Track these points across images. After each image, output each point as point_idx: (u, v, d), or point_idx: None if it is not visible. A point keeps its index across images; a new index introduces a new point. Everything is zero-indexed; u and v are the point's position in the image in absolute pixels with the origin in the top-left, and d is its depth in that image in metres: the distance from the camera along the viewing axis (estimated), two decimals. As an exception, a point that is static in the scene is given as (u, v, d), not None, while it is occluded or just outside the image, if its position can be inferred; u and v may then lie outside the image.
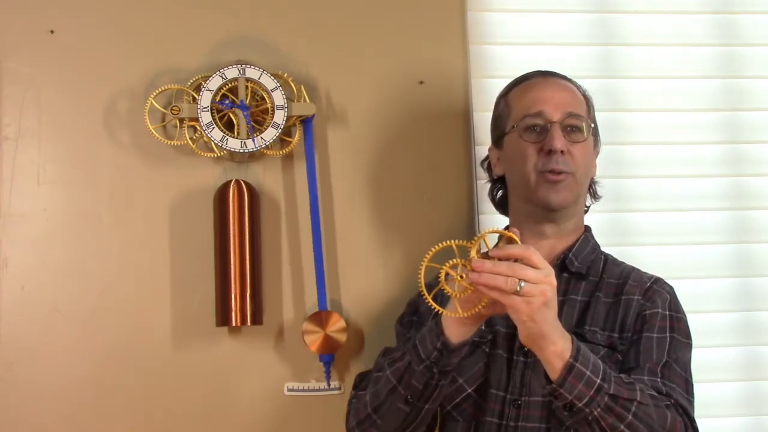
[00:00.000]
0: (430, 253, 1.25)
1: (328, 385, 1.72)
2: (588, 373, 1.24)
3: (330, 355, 1.71)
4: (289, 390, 1.74)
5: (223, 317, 1.69)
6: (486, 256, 1.23)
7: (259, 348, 1.74)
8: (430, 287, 1.27)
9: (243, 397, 1.73)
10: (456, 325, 1.31)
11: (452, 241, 1.24)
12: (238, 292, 1.68)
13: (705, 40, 1.93)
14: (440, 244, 1.25)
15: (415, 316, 1.57)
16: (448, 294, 1.26)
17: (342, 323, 1.71)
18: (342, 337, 1.71)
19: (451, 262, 1.24)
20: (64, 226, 1.73)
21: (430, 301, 1.26)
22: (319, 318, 1.71)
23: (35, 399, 1.68)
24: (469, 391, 1.44)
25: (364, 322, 1.76)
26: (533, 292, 1.20)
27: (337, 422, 1.65)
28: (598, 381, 1.24)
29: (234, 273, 1.68)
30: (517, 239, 1.25)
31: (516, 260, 1.21)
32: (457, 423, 1.46)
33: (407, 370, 1.35)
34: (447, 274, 1.25)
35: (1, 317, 1.69)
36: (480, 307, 1.25)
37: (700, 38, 1.93)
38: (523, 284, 1.20)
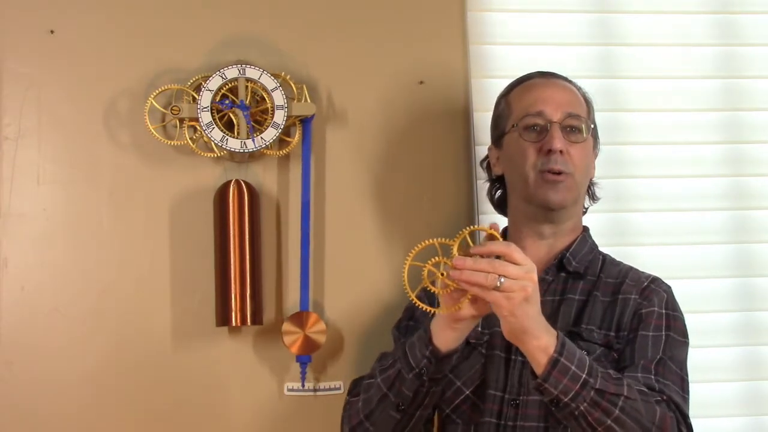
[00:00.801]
0: (414, 251, 1.27)
1: (303, 386, 1.72)
2: (573, 367, 1.25)
3: (307, 356, 1.71)
4: (289, 390, 1.74)
5: (223, 317, 1.69)
6: (468, 253, 1.24)
7: (259, 348, 1.74)
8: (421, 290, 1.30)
9: (243, 397, 1.73)
10: (445, 332, 1.32)
11: (435, 240, 1.26)
12: (238, 292, 1.68)
13: (705, 40, 1.93)
14: (423, 243, 1.27)
15: (411, 320, 1.58)
16: (431, 291, 1.27)
17: (322, 325, 1.71)
18: (321, 339, 1.70)
19: (433, 259, 1.26)
20: (64, 226, 1.73)
21: (413, 297, 1.28)
22: (300, 318, 1.71)
23: (35, 399, 1.68)
24: (467, 393, 1.45)
25: (358, 323, 1.76)
26: (513, 288, 1.21)
27: (337, 422, 1.65)
28: (584, 376, 1.25)
29: (234, 273, 1.68)
30: (498, 236, 1.26)
31: (498, 257, 1.23)
32: (457, 426, 1.46)
33: (398, 377, 1.36)
34: (430, 272, 1.26)
35: (1, 317, 1.69)
36: (464, 302, 1.26)
37: (700, 38, 1.93)
38: (503, 280, 1.21)
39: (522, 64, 1.71)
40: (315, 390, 1.74)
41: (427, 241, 1.27)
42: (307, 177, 1.75)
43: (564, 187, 1.48)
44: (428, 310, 1.29)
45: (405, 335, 1.56)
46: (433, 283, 1.27)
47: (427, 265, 1.27)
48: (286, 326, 1.70)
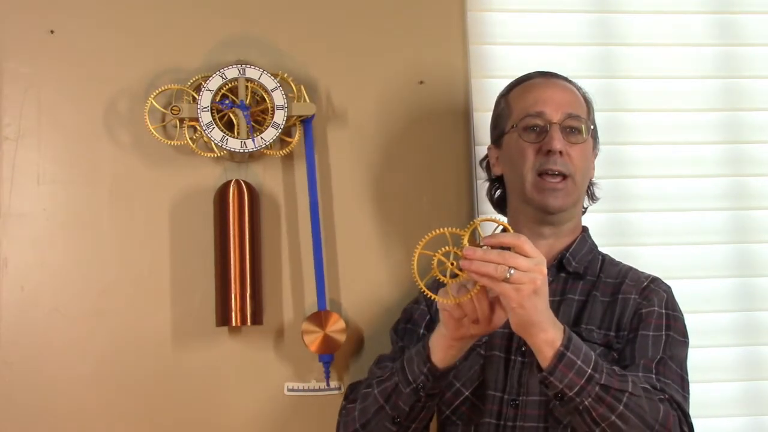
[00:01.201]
0: (424, 240, 1.27)
1: (328, 384, 1.72)
2: (579, 362, 1.25)
3: (329, 355, 1.71)
4: (289, 390, 1.74)
5: (223, 317, 1.69)
6: (478, 244, 1.24)
7: (259, 348, 1.74)
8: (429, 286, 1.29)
9: (243, 397, 1.73)
10: (444, 349, 1.33)
11: (445, 229, 1.27)
12: (238, 292, 1.68)
13: (705, 40, 1.93)
14: (434, 232, 1.27)
15: (409, 323, 1.58)
16: (440, 280, 1.27)
17: (341, 323, 1.71)
18: (341, 337, 1.71)
19: (443, 249, 1.26)
20: (64, 226, 1.73)
21: (422, 285, 1.28)
22: (319, 318, 1.71)
23: (35, 399, 1.68)
24: (467, 394, 1.45)
25: (364, 322, 1.76)
26: (523, 280, 1.21)
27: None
28: (589, 371, 1.25)
29: (234, 273, 1.68)
30: (509, 228, 1.27)
31: (509, 249, 1.23)
32: (456, 427, 1.46)
33: (394, 391, 1.36)
34: (440, 261, 1.27)
35: (1, 317, 1.69)
36: (473, 293, 1.26)
37: (700, 38, 1.93)
38: (512, 271, 1.21)
39: (522, 64, 1.71)
40: (315, 390, 1.73)
41: (437, 231, 1.27)
42: (313, 177, 1.75)
43: (563, 193, 1.48)
44: (441, 301, 1.29)
45: (402, 338, 1.57)
46: (442, 272, 1.27)
47: (437, 254, 1.27)
48: (306, 326, 1.70)
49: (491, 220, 1.30)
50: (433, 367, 1.33)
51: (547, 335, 1.25)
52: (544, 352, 1.26)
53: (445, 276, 1.27)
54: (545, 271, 1.24)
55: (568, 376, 1.24)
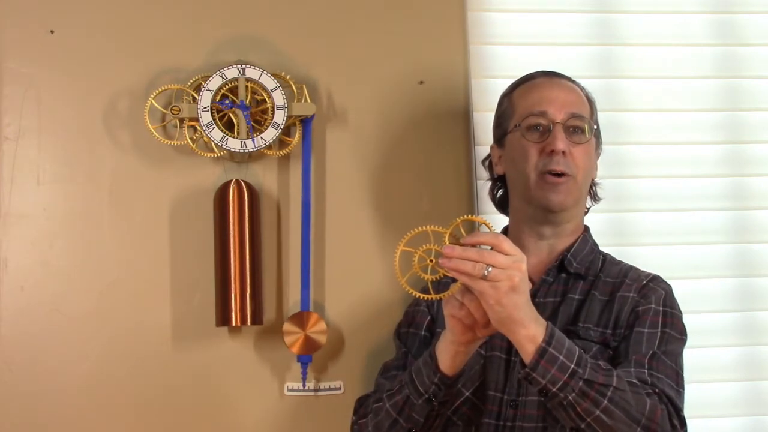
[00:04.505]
0: (406, 237, 1.29)
1: (304, 386, 1.72)
2: (561, 357, 1.25)
3: (308, 356, 1.71)
4: (289, 390, 1.74)
5: (223, 317, 1.69)
6: (459, 242, 1.26)
7: (259, 348, 1.74)
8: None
9: (243, 397, 1.73)
10: (452, 356, 1.33)
11: (428, 227, 1.28)
12: (238, 292, 1.68)
13: (705, 40, 1.93)
14: (417, 229, 1.29)
15: (411, 327, 1.58)
16: (421, 277, 1.28)
17: (322, 325, 1.71)
18: (322, 338, 1.70)
19: (424, 246, 1.28)
20: (64, 226, 1.73)
21: (403, 282, 1.29)
22: (300, 319, 1.71)
23: (35, 399, 1.68)
24: (467, 394, 1.45)
25: (358, 323, 1.76)
26: (500, 277, 1.22)
27: (337, 422, 1.66)
28: (572, 366, 1.25)
29: (234, 273, 1.68)
30: (490, 227, 1.28)
31: (491, 248, 1.24)
32: (457, 428, 1.46)
33: (406, 403, 1.37)
34: (421, 258, 1.28)
35: (1, 317, 1.69)
36: (454, 290, 1.27)
37: (700, 38, 1.93)
38: (490, 269, 1.21)
39: (522, 64, 1.72)
40: (315, 390, 1.74)
41: (420, 228, 1.28)
42: (308, 177, 1.75)
43: (564, 189, 1.48)
44: (423, 297, 1.30)
45: (405, 344, 1.57)
46: (423, 270, 1.28)
47: (418, 251, 1.28)
48: (287, 326, 1.70)
49: (472, 219, 1.31)
50: (443, 375, 1.34)
51: (527, 331, 1.25)
52: (526, 348, 1.26)
53: (425, 273, 1.28)
54: (524, 268, 1.24)
55: (551, 371, 1.25)
